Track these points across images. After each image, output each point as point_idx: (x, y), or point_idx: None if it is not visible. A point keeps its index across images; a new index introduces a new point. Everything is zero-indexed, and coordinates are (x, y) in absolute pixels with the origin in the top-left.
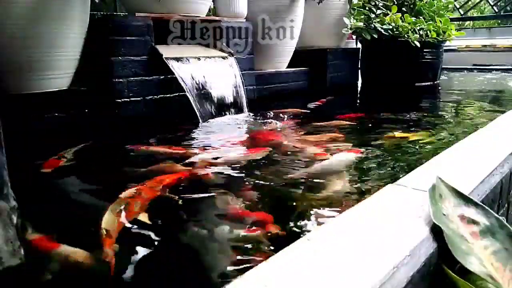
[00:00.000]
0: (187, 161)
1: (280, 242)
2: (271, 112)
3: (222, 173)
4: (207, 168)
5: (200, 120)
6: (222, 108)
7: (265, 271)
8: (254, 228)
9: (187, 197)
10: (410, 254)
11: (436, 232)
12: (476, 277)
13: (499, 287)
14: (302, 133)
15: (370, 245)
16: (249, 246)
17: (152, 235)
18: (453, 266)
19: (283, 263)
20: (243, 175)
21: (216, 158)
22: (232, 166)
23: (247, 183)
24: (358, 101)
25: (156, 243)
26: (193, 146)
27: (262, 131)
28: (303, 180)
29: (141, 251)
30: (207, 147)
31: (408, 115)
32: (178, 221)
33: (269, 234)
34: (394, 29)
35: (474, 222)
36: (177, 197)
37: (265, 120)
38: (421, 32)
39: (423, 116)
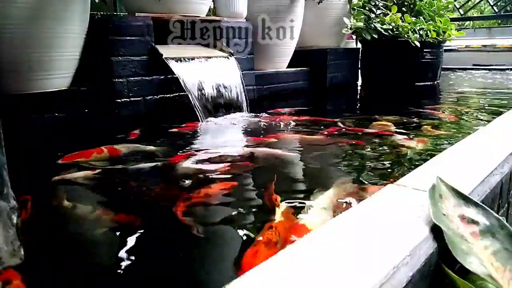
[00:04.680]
0: None
1: None
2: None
3: None
4: None
5: (201, 120)
6: (222, 108)
7: (265, 271)
8: None
9: None
10: (410, 254)
11: (436, 232)
12: (476, 277)
13: (499, 287)
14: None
15: (370, 245)
16: None
17: None
18: (453, 266)
19: (283, 263)
20: None
21: None
22: None
23: None
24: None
25: None
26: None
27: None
28: None
29: None
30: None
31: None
32: None
33: None
34: (394, 29)
35: (474, 222)
36: None
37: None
38: (421, 32)
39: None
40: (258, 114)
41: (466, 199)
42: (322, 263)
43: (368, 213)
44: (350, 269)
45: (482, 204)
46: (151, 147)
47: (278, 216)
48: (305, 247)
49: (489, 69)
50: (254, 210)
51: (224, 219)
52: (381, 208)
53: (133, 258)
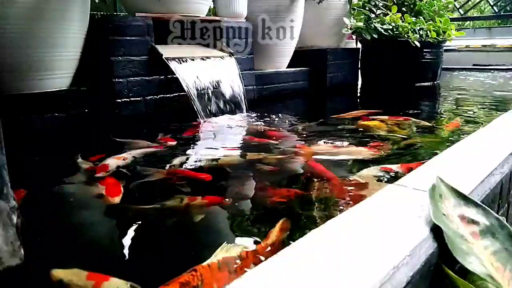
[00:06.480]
0: None
1: None
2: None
3: None
4: None
5: (201, 120)
6: (222, 107)
7: (265, 271)
8: None
9: None
10: (410, 254)
11: (436, 232)
12: (476, 277)
13: (499, 287)
14: None
15: (370, 245)
16: None
17: None
18: (453, 266)
19: (283, 263)
20: None
21: None
22: None
23: None
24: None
25: None
26: None
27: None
28: None
29: None
30: None
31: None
32: None
33: None
34: (394, 29)
35: (474, 222)
36: None
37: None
38: (421, 32)
39: None
40: (257, 114)
41: (466, 199)
42: (322, 262)
43: (368, 213)
44: (350, 269)
45: (482, 204)
46: None
47: (212, 258)
48: (305, 247)
49: (489, 69)
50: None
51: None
52: (381, 208)
53: None
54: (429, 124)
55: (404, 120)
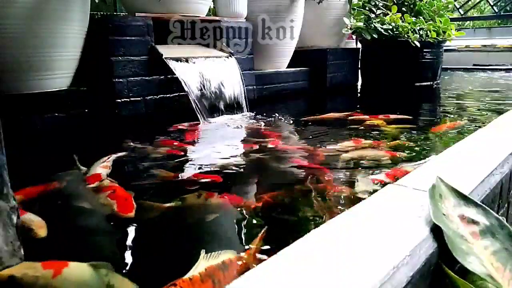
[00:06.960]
0: None
1: None
2: None
3: None
4: None
5: (201, 120)
6: (222, 108)
7: (265, 271)
8: None
9: None
10: (410, 254)
11: (436, 232)
12: (476, 277)
13: (499, 287)
14: None
15: (370, 245)
16: None
17: None
18: (453, 266)
19: (283, 263)
20: None
21: None
22: None
23: None
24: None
25: None
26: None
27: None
28: None
29: None
30: None
31: None
32: None
33: None
34: (394, 29)
35: (474, 222)
36: None
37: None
38: (421, 32)
39: None
40: (257, 115)
41: (466, 199)
42: (322, 262)
43: (368, 213)
44: (350, 269)
45: (482, 204)
46: None
47: (193, 270)
48: (305, 247)
49: (489, 69)
50: None
51: None
52: (381, 208)
53: None
54: (410, 117)
55: (384, 117)
